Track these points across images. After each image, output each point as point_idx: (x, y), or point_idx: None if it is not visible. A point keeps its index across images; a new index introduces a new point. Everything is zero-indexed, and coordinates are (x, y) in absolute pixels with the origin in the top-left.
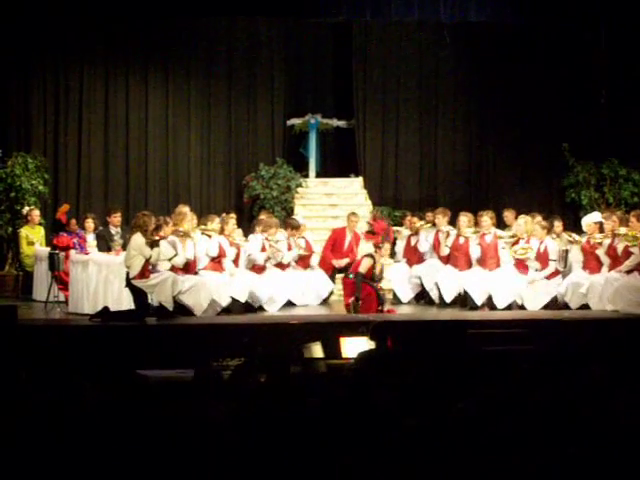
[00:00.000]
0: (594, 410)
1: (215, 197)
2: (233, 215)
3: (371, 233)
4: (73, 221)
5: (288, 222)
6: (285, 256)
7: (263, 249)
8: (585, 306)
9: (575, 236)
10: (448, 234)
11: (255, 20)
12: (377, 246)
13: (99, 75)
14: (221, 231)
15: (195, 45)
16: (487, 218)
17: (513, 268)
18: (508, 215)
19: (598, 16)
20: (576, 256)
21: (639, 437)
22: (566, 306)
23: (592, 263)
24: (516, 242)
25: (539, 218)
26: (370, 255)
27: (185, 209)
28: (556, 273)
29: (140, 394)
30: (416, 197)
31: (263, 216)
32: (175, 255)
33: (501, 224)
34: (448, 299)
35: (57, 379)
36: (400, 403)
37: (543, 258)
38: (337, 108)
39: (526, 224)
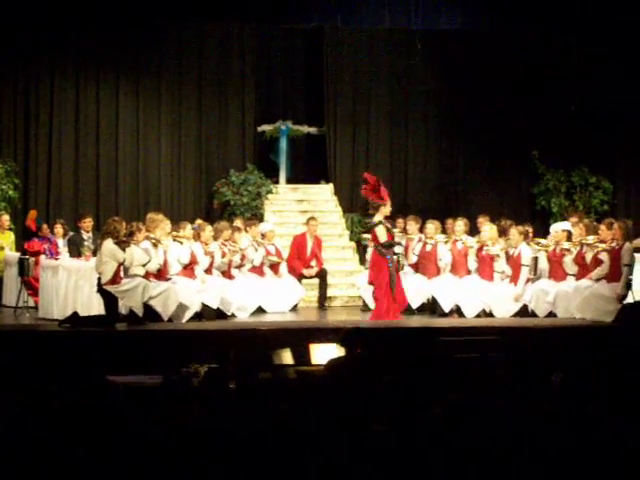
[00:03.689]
0: (563, 416)
1: (185, 203)
2: (201, 221)
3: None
4: (45, 226)
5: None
6: (255, 259)
7: (223, 255)
8: (551, 314)
9: (543, 241)
10: (420, 240)
11: (226, 25)
12: (374, 207)
13: (69, 80)
14: (197, 238)
15: (165, 50)
16: (461, 224)
17: (478, 276)
18: (482, 221)
19: (568, 24)
20: (543, 264)
21: (609, 442)
22: (533, 314)
23: (558, 271)
24: (480, 248)
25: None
26: (379, 222)
27: (159, 216)
28: (528, 281)
29: (110, 399)
30: None
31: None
32: (149, 261)
33: (474, 230)
34: (414, 305)
35: (27, 384)
36: (370, 410)
37: (515, 263)
38: (308, 114)
39: (491, 230)
